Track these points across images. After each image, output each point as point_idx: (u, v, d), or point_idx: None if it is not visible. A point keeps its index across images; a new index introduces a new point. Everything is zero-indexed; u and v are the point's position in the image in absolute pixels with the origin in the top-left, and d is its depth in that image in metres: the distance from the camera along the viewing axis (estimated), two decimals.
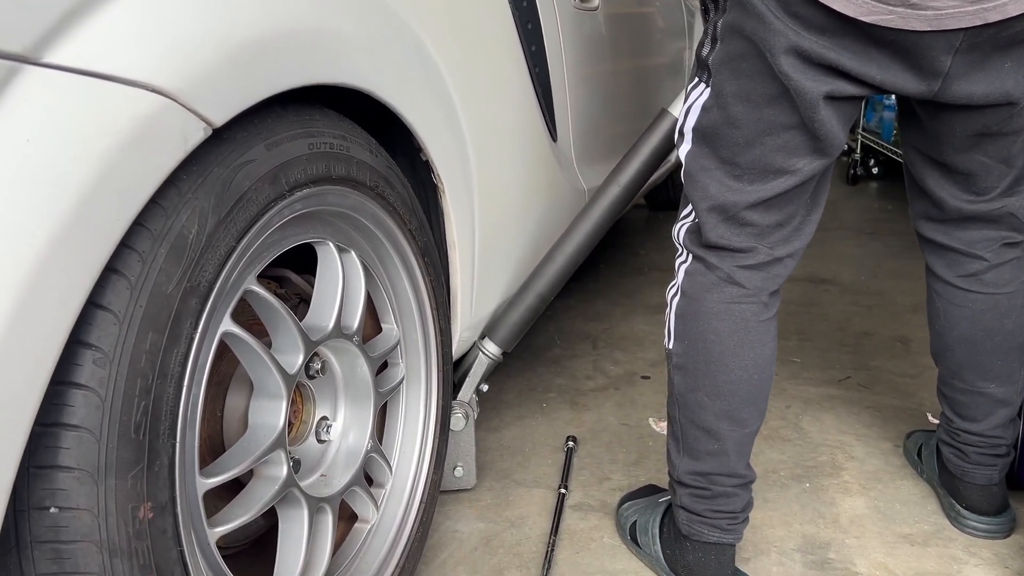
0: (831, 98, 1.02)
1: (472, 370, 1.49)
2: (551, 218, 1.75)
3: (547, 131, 1.66)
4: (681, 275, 1.21)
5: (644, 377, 2.00)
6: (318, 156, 0.92)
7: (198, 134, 0.73)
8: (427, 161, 1.18)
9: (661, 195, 3.62)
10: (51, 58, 0.62)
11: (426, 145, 1.15)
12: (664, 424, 1.75)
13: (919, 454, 1.54)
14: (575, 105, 1.82)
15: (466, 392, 1.47)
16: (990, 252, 1.23)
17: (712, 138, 1.12)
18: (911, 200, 1.30)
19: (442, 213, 1.26)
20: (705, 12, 1.18)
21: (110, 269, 0.67)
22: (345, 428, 1.07)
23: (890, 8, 0.91)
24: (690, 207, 1.18)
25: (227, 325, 0.82)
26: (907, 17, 0.91)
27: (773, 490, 1.50)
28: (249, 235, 0.81)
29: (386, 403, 1.18)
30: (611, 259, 3.02)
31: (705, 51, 1.13)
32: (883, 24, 0.92)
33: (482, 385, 1.52)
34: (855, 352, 2.12)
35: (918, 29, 0.91)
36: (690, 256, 1.19)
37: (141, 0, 0.69)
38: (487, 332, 1.53)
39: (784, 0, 0.97)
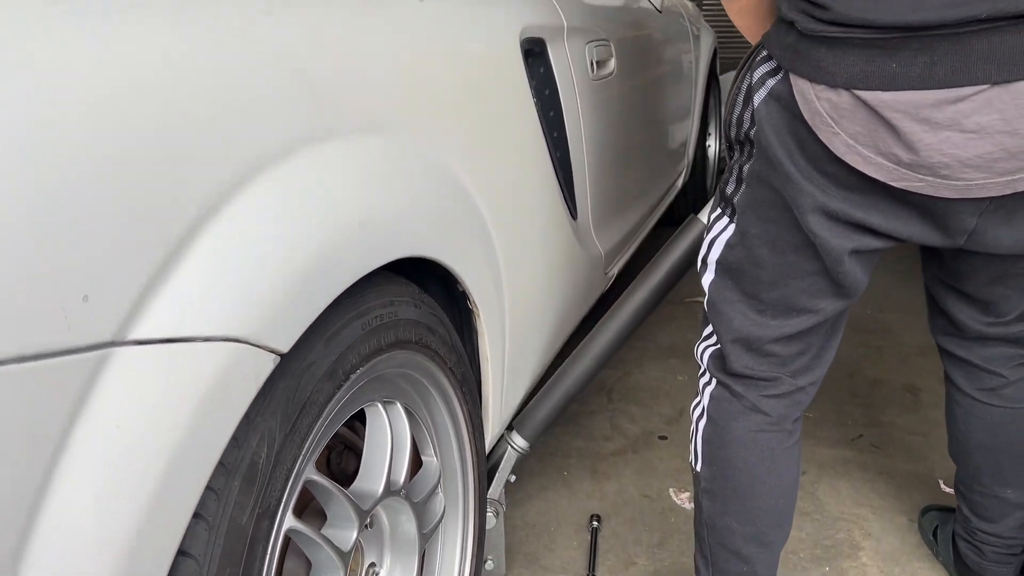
0: (856, 252, 1.04)
1: (502, 465, 1.52)
2: (573, 293, 1.78)
3: (567, 212, 1.68)
4: (706, 398, 1.24)
5: (661, 437, 2.04)
6: (369, 334, 0.94)
7: (268, 366, 0.75)
8: (464, 291, 1.20)
9: (674, 211, 3.57)
10: (134, 335, 0.64)
11: (465, 282, 1.17)
12: (684, 496, 1.80)
13: (935, 534, 1.58)
14: (593, 176, 1.84)
15: (496, 488, 1.50)
16: (1009, 369, 1.26)
17: (736, 273, 1.14)
18: (930, 313, 1.32)
19: (476, 332, 1.28)
20: (730, 150, 1.20)
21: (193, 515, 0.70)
22: (390, 570, 1.10)
23: (919, 176, 0.93)
24: (713, 331, 1.21)
25: (290, 522, 0.84)
26: (937, 186, 0.93)
27: (795, 574, 1.54)
28: (311, 436, 0.84)
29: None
30: (620, 286, 3.04)
31: (729, 189, 1.15)
32: (912, 190, 0.94)
33: (510, 476, 1.55)
34: (866, 405, 2.16)
35: (947, 197, 0.94)
36: (715, 380, 1.22)
37: (204, 258, 0.70)
38: (515, 425, 1.56)
39: (813, 158, 0.99)
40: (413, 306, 1.05)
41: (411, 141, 1.06)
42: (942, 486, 1.79)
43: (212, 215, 0.71)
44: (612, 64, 1.99)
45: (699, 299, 2.88)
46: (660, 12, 2.66)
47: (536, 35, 1.54)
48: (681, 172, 3.19)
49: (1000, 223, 0.98)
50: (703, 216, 1.50)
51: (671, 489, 1.83)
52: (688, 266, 1.53)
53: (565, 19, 1.70)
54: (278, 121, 0.80)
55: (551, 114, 1.61)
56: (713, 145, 3.85)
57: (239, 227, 0.73)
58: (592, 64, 1.83)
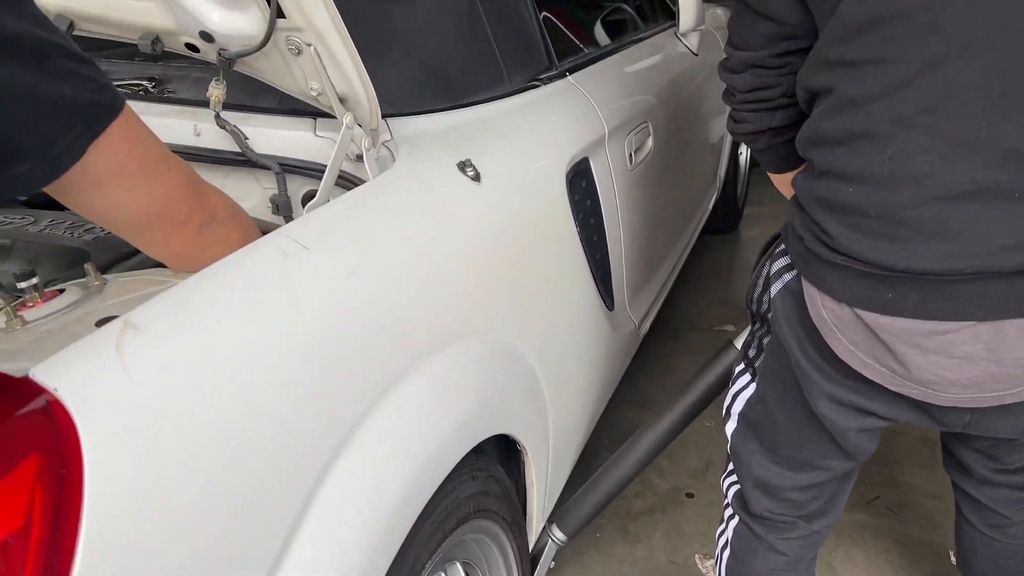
0: (862, 429, 1.15)
1: (543, 559, 1.66)
2: (609, 373, 1.90)
3: (604, 308, 1.78)
4: (730, 531, 1.36)
5: (688, 495, 2.17)
6: (436, 529, 1.07)
7: None
8: (515, 440, 1.32)
9: (710, 221, 3.59)
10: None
11: (521, 440, 1.29)
12: (709, 563, 1.94)
13: None
14: (629, 260, 1.93)
15: None
16: (1014, 511, 1.36)
17: (756, 428, 1.26)
18: (942, 449, 1.43)
19: (522, 464, 1.41)
20: (752, 318, 1.29)
21: None
22: None
23: (913, 386, 1.02)
24: (736, 473, 1.33)
25: None
26: (929, 395, 1.03)
27: None
28: None
29: None
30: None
31: (751, 353, 1.26)
32: (908, 395, 1.04)
33: (551, 563, 1.70)
34: (883, 461, 2.27)
35: (940, 404, 1.03)
36: (738, 517, 1.34)
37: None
38: (556, 519, 1.70)
39: (821, 351, 1.09)
40: (471, 480, 1.18)
41: (483, 337, 1.18)
42: (952, 558, 1.91)
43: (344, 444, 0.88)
44: (649, 143, 2.06)
45: (726, 328, 2.99)
46: (696, 55, 2.69)
47: (580, 158, 1.62)
48: (712, 195, 3.26)
49: (996, 415, 1.08)
50: (737, 342, 1.60)
51: (697, 556, 1.97)
52: (721, 389, 1.64)
53: (607, 125, 1.77)
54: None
55: (591, 221, 1.70)
56: (745, 151, 3.88)
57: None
58: (630, 156, 1.91)
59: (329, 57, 1.08)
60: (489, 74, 1.55)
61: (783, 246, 1.16)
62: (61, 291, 1.01)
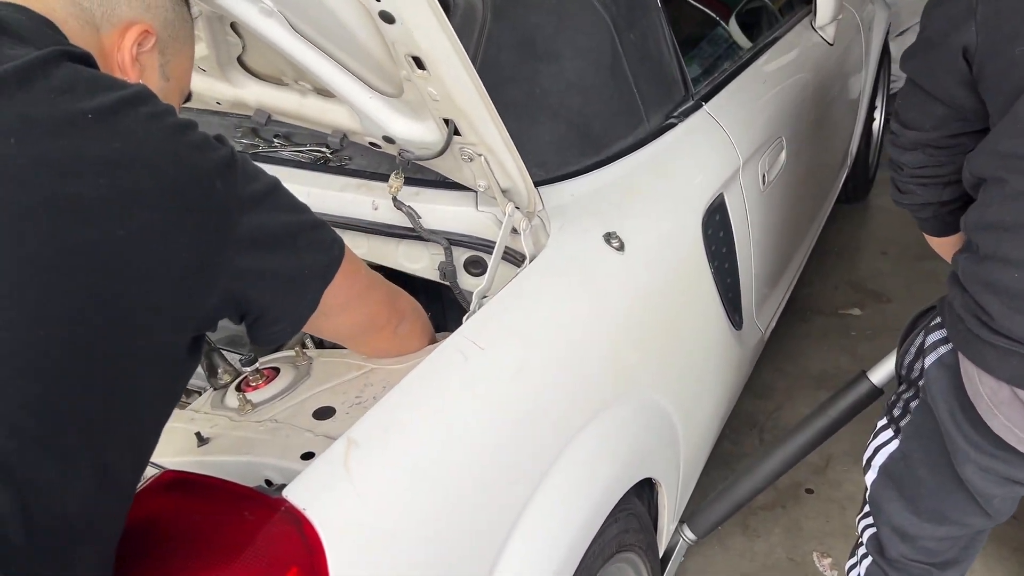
0: (1008, 496, 1.24)
1: (674, 556, 1.83)
2: (735, 385, 2.02)
3: (732, 329, 1.88)
4: (863, 569, 1.48)
5: (808, 491, 2.29)
6: (584, 571, 1.24)
7: None
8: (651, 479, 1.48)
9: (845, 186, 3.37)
10: None
11: (658, 479, 1.45)
12: (827, 562, 2.06)
13: None
14: (759, 276, 2.02)
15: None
16: None
17: (897, 482, 1.36)
18: None
19: (656, 493, 1.57)
20: (898, 379, 1.38)
21: None
22: None
23: None
24: (872, 518, 1.44)
25: None
26: None
27: None
28: None
29: None
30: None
31: (896, 413, 1.35)
32: None
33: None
34: None
35: None
36: (871, 559, 1.46)
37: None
38: (687, 520, 1.86)
39: (972, 423, 1.17)
40: (614, 522, 1.34)
41: (627, 399, 1.33)
42: None
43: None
44: (782, 158, 2.10)
45: (852, 312, 3.02)
46: (832, 44, 2.66)
47: (715, 196, 1.71)
48: (844, 173, 3.23)
49: None
50: (872, 375, 1.67)
51: (815, 553, 2.10)
52: (850, 418, 1.72)
53: (742, 156, 1.84)
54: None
55: (723, 250, 1.79)
56: (878, 118, 3.78)
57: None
58: (763, 177, 1.97)
59: (496, 163, 1.21)
60: (629, 119, 1.64)
61: (939, 319, 1.22)
62: (276, 370, 1.22)
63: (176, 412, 1.21)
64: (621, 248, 1.38)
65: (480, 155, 1.20)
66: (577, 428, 1.20)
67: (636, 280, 1.39)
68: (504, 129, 1.15)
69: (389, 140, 1.27)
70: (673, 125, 1.73)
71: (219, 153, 0.84)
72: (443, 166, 1.29)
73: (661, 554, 1.77)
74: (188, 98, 1.08)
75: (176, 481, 0.93)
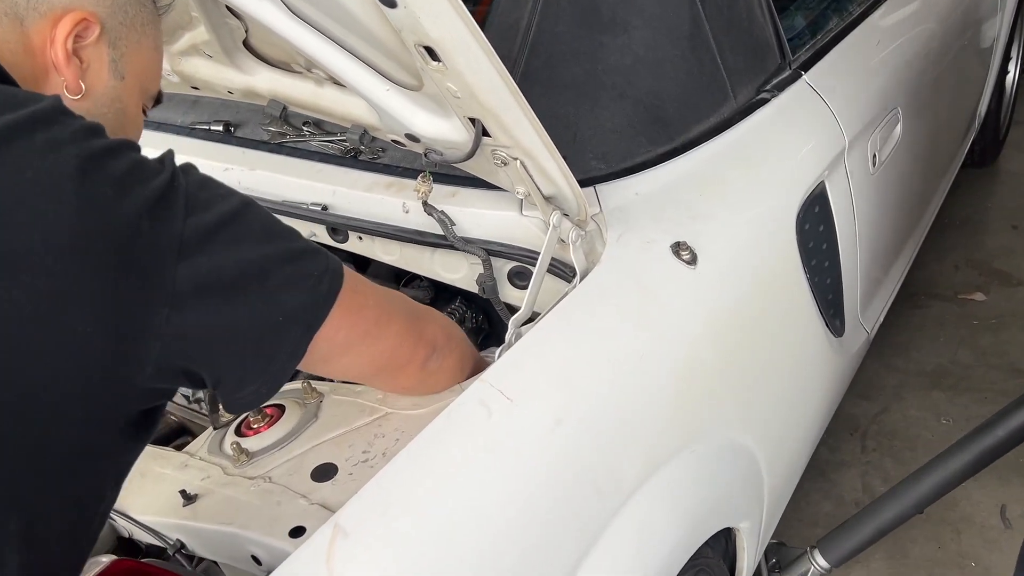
0: None
1: None
2: (833, 402, 1.76)
3: (831, 339, 1.62)
4: None
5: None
6: None
7: None
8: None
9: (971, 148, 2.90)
10: None
11: (735, 524, 1.24)
12: None
13: None
14: (865, 272, 1.74)
15: None
16: None
17: None
18: None
19: (732, 538, 1.36)
20: None
21: None
22: None
23: None
24: None
25: None
26: None
27: None
28: None
29: None
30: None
31: None
32: None
33: None
34: None
35: None
36: None
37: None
38: (820, 546, 1.64)
39: None
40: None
41: (701, 442, 1.12)
42: None
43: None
44: (897, 131, 1.80)
45: (975, 296, 2.67)
46: None
47: (815, 185, 1.45)
48: (971, 136, 2.84)
49: None
50: None
51: None
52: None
53: (847, 134, 1.56)
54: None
55: (823, 247, 1.53)
56: (1013, 71, 3.33)
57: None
58: (874, 157, 1.68)
59: (536, 168, 1.00)
60: (711, 97, 1.39)
61: None
62: (281, 408, 1.06)
63: (170, 455, 1.07)
64: (693, 261, 1.15)
65: (515, 159, 0.99)
66: (632, 488, 0.99)
67: (710, 299, 1.16)
68: (543, 130, 0.94)
69: (413, 138, 1.07)
70: (765, 101, 1.47)
71: (149, 186, 0.66)
72: (476, 169, 1.09)
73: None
74: (158, 100, 0.91)
75: (129, 570, 0.78)
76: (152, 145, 1.31)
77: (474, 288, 1.26)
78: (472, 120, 0.95)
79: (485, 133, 0.96)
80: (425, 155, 1.08)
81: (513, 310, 1.23)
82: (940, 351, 2.50)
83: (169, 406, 1.28)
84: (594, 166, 1.24)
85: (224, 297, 0.70)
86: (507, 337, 1.05)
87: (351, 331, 0.85)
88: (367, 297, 0.88)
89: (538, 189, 1.04)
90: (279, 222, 0.80)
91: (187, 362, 0.70)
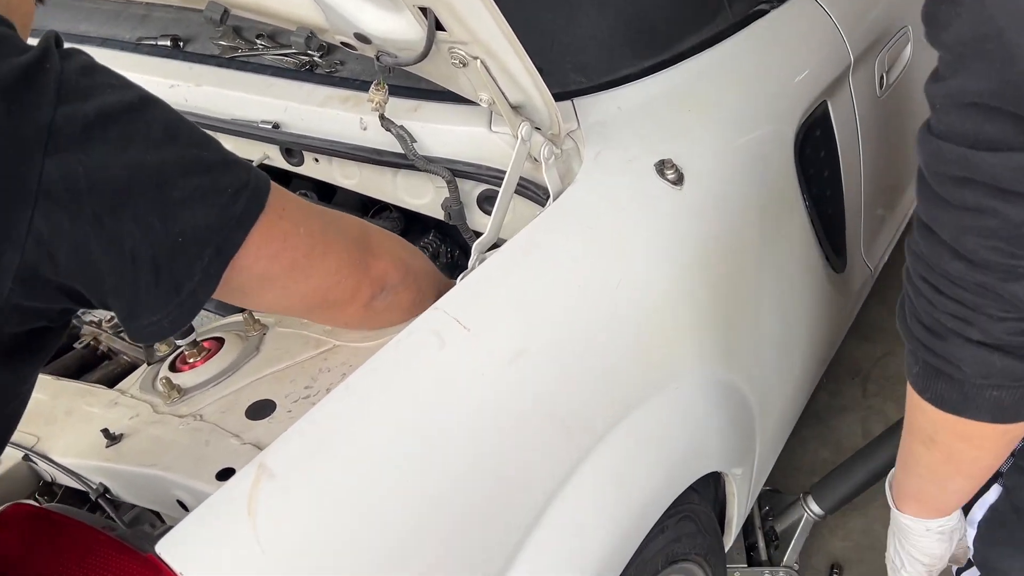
0: None
1: (798, 533, 1.55)
2: (833, 343, 1.67)
3: (832, 274, 1.51)
4: None
5: None
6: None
7: None
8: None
9: None
10: None
11: (723, 469, 1.15)
12: None
13: None
14: (868, 203, 1.63)
15: (792, 555, 1.54)
16: None
17: (1009, 531, 1.01)
18: None
19: (721, 484, 1.27)
20: None
21: None
22: None
23: None
24: None
25: None
26: None
27: None
28: None
29: None
30: None
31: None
32: None
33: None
34: None
35: None
36: None
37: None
38: (813, 492, 1.56)
39: None
40: (659, 534, 1.05)
41: (687, 379, 1.02)
42: None
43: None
44: (907, 52, 1.67)
45: None
46: None
47: (816, 106, 1.33)
48: None
49: None
50: None
51: None
52: None
53: (853, 52, 1.43)
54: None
55: (824, 174, 1.41)
56: None
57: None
58: (881, 79, 1.56)
59: (499, 69, 0.88)
60: (705, 4, 1.27)
61: None
62: (220, 342, 0.96)
63: (99, 392, 0.98)
64: (679, 181, 1.04)
65: (475, 58, 0.87)
66: (605, 428, 0.90)
67: (696, 224, 1.05)
68: (503, 20, 0.82)
69: (363, 39, 0.95)
70: (763, 12, 1.34)
71: (6, 63, 0.55)
72: (435, 73, 0.97)
73: (764, 539, 1.50)
74: None
75: (28, 515, 0.69)
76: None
77: (439, 215, 1.15)
78: (424, 11, 0.83)
79: (440, 27, 0.84)
80: (377, 59, 0.96)
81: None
82: None
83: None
84: (573, 79, 1.12)
85: (106, 206, 0.60)
86: (470, 263, 0.94)
87: (273, 262, 0.73)
88: (298, 223, 0.76)
89: (503, 95, 0.93)
90: (190, 125, 0.68)
91: (61, 277, 0.60)
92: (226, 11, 1.05)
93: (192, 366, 0.92)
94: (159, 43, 1.34)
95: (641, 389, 0.95)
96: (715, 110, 1.17)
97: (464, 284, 0.85)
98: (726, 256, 1.10)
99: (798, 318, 1.38)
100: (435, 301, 0.95)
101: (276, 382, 0.87)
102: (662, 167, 1.04)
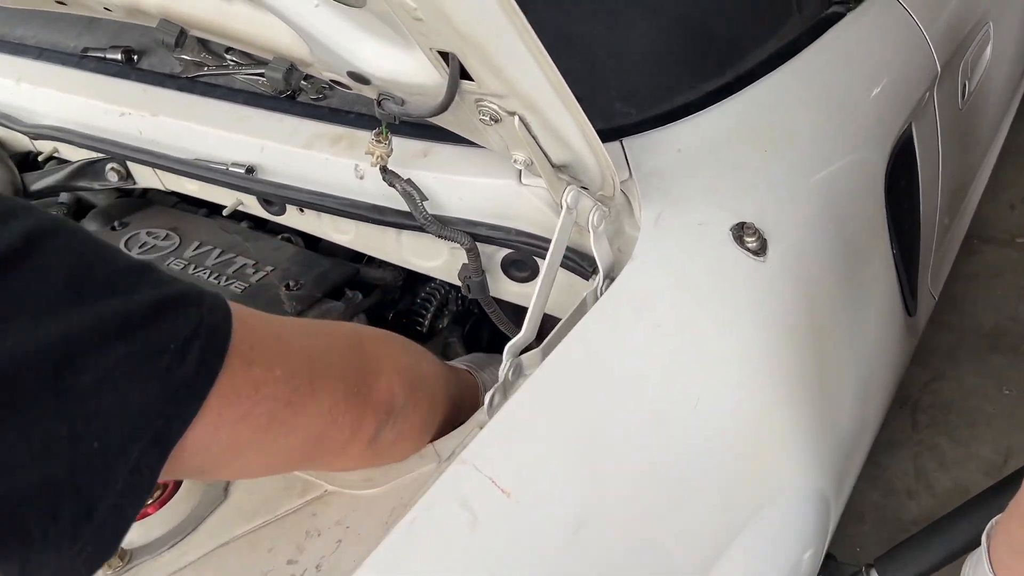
0: None
1: None
2: (895, 387, 1.46)
3: (906, 319, 1.30)
4: None
5: None
6: None
7: None
8: None
9: None
10: None
11: None
12: None
13: None
14: (940, 234, 1.41)
15: None
16: None
17: None
18: None
19: None
20: None
21: None
22: None
23: None
24: None
25: None
26: None
27: None
28: None
29: None
30: None
31: None
32: None
33: None
34: None
35: None
36: None
37: None
38: (878, 564, 1.36)
39: None
40: None
41: (792, 489, 0.81)
42: None
43: None
44: (987, 54, 1.44)
45: None
46: None
47: (903, 130, 1.10)
48: None
49: None
50: None
51: None
52: None
53: (939, 58, 1.20)
54: None
55: (905, 208, 1.20)
56: None
57: None
58: (963, 88, 1.33)
59: (542, 126, 0.66)
60: (771, 10, 1.04)
61: None
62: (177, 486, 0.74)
63: None
64: (761, 249, 0.82)
65: (512, 114, 0.65)
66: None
67: (785, 301, 0.83)
68: (554, 70, 0.59)
69: (359, 79, 0.72)
70: (838, 16, 1.11)
71: None
72: (454, 123, 0.75)
73: None
74: None
75: None
76: (33, 79, 0.97)
77: (457, 280, 0.94)
78: (444, 56, 0.60)
79: (465, 75, 0.61)
80: (379, 104, 0.74)
81: (516, 312, 0.91)
82: (998, 305, 2.18)
83: None
84: (619, 109, 0.90)
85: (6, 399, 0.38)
86: (501, 372, 0.72)
87: (241, 426, 0.52)
88: (271, 363, 0.54)
89: (545, 156, 0.70)
90: (107, 258, 0.46)
91: None
92: (183, 32, 0.82)
93: (142, 513, 0.70)
94: (108, 56, 1.10)
95: (731, 528, 0.74)
96: (794, 146, 0.94)
97: (498, 423, 0.63)
98: (814, 334, 0.88)
99: (873, 382, 1.17)
100: (448, 411, 0.74)
101: (250, 551, 0.65)
102: (740, 232, 0.82)
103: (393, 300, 1.15)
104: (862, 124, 1.04)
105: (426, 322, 1.16)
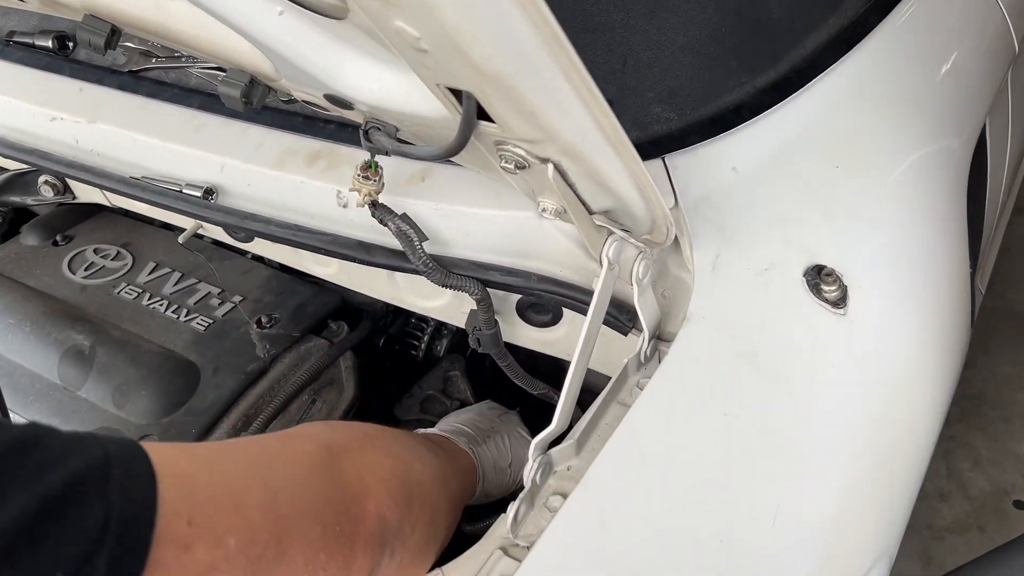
0: None
1: None
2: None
3: (970, 334, 1.16)
4: None
5: (1017, 504, 1.62)
6: None
7: None
8: None
9: None
10: None
11: None
12: None
13: None
14: (996, 232, 1.26)
15: None
16: None
17: None
18: None
19: None
20: None
21: None
22: None
23: None
24: None
25: None
26: None
27: None
28: None
29: None
30: None
31: None
32: None
33: None
34: None
35: None
36: None
37: None
38: None
39: None
40: None
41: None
42: None
43: None
44: None
45: None
46: None
47: (980, 130, 0.94)
48: None
49: None
50: None
51: None
52: None
53: (1016, 35, 1.03)
54: None
55: (973, 213, 1.04)
56: None
57: None
58: None
59: (583, 174, 0.50)
60: None
61: None
62: None
63: None
64: (842, 300, 0.66)
65: (546, 161, 0.48)
66: None
67: (870, 364, 0.68)
68: (609, 115, 0.43)
69: (339, 102, 0.55)
70: None
71: None
72: (466, 159, 0.58)
73: None
74: None
75: None
76: None
77: (461, 322, 0.78)
78: (455, 93, 0.43)
79: (484, 117, 0.45)
80: (366, 134, 0.57)
81: (535, 359, 0.77)
82: None
83: None
84: (656, 114, 0.74)
85: None
86: (526, 473, 0.57)
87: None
88: (219, 529, 0.41)
89: (583, 205, 0.54)
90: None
91: None
92: (115, 31, 0.65)
93: None
94: (37, 43, 0.92)
95: None
96: (870, 156, 0.78)
97: (537, 557, 0.48)
98: (901, 398, 0.73)
99: (933, 413, 1.02)
100: (450, 517, 0.60)
101: None
102: (816, 279, 0.66)
103: (384, 325, 1.00)
104: (941, 121, 0.87)
105: (422, 346, 1.01)
